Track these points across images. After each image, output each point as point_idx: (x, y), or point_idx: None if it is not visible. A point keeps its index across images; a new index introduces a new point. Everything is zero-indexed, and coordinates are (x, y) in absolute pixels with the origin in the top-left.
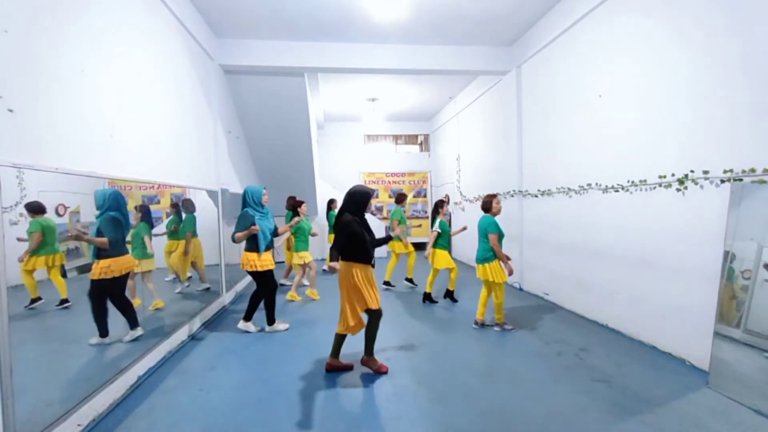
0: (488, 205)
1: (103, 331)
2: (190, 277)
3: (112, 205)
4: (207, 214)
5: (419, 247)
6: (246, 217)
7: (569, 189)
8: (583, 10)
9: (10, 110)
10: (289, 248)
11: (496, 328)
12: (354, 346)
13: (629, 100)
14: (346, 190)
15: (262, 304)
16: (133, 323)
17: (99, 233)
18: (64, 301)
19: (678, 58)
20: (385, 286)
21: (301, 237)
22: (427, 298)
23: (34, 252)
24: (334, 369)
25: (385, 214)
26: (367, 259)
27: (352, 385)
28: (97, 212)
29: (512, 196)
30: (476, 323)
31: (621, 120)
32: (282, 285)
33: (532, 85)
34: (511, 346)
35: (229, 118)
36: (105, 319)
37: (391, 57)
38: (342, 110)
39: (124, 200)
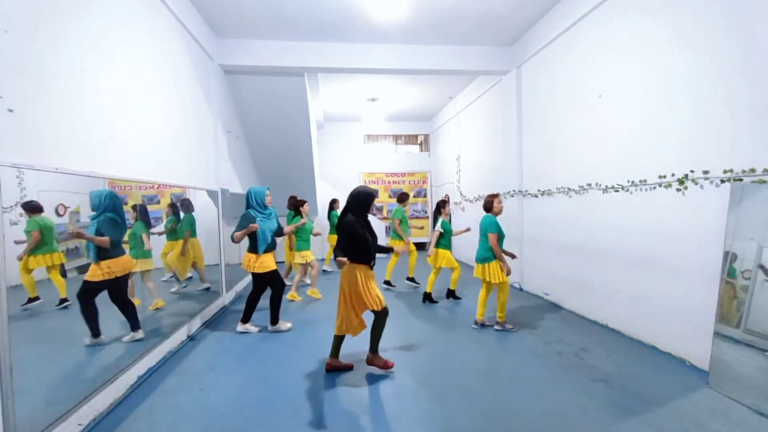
0: (490, 204)
1: (95, 332)
2: (191, 277)
3: (109, 206)
4: (207, 214)
5: (420, 247)
6: (247, 218)
7: (569, 189)
8: (583, 10)
9: (10, 110)
10: (291, 248)
11: (496, 327)
12: (354, 346)
13: (629, 100)
14: (346, 190)
15: (260, 305)
16: (134, 325)
17: (97, 234)
18: (64, 300)
19: (678, 58)
20: (385, 286)
21: (302, 236)
22: (428, 298)
23: (32, 251)
24: (335, 369)
25: (385, 214)
26: (368, 260)
27: (353, 385)
28: (93, 213)
29: (512, 196)
30: (476, 323)
31: (621, 120)
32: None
33: (532, 85)
34: (511, 346)
35: (229, 118)
36: (96, 320)
37: (391, 57)
38: (342, 110)
39: (120, 201)
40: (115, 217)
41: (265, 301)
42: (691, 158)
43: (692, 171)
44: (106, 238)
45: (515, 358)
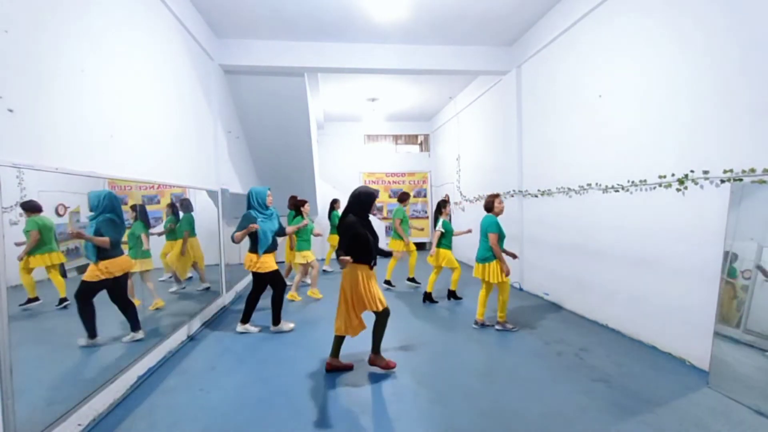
0: (491, 204)
1: (92, 333)
2: (191, 277)
3: (108, 206)
4: (207, 215)
5: (419, 247)
6: (247, 218)
7: (569, 189)
8: (583, 10)
9: (10, 110)
10: (291, 248)
11: (497, 327)
12: (354, 346)
13: (629, 100)
14: (346, 189)
15: (260, 305)
16: (134, 325)
17: (96, 234)
18: (63, 300)
19: (678, 58)
20: (385, 285)
21: (303, 236)
22: (428, 297)
23: (31, 251)
24: (335, 369)
25: (385, 214)
26: (369, 260)
27: (353, 385)
28: (91, 214)
29: (512, 196)
30: (476, 323)
31: (621, 120)
32: None
33: (532, 85)
34: (511, 346)
35: (229, 118)
36: (93, 321)
37: (391, 57)
38: (342, 110)
39: (118, 201)
40: (113, 218)
41: (264, 302)
42: (691, 158)
43: (692, 171)
44: (106, 239)
45: (515, 358)
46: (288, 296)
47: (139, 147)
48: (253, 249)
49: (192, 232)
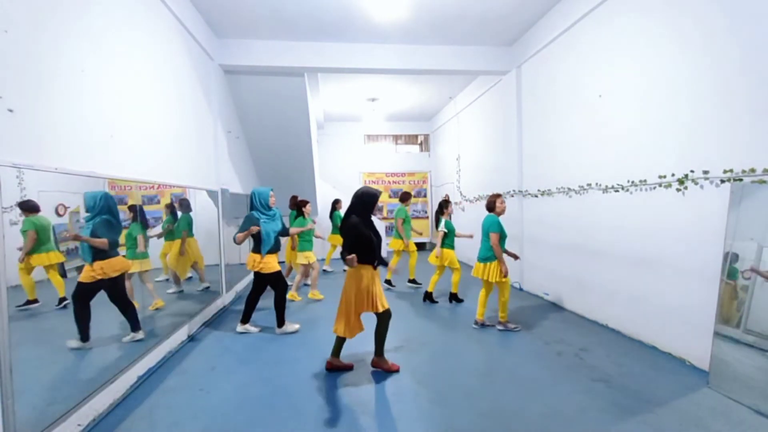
0: (492, 204)
1: (85, 336)
2: (190, 277)
3: (104, 207)
4: (207, 215)
5: (420, 247)
6: (250, 219)
7: (569, 189)
8: (583, 10)
9: (10, 110)
10: (293, 248)
11: (499, 327)
12: (354, 346)
13: (629, 100)
14: (346, 189)
15: (260, 305)
16: (134, 325)
17: (93, 236)
18: (63, 299)
19: (678, 58)
20: (386, 285)
21: (305, 237)
22: (428, 297)
23: (30, 251)
24: (335, 368)
25: (385, 214)
26: (372, 260)
27: (353, 385)
28: (88, 214)
29: (512, 196)
30: (476, 323)
31: (621, 120)
32: None
33: (532, 85)
34: (511, 346)
35: (229, 118)
36: (87, 323)
37: (391, 57)
38: (342, 110)
39: (114, 202)
40: (110, 219)
41: (264, 302)
42: (691, 158)
43: (692, 171)
44: (104, 240)
45: (515, 358)
46: (288, 296)
47: (139, 147)
48: (256, 249)
49: (190, 232)
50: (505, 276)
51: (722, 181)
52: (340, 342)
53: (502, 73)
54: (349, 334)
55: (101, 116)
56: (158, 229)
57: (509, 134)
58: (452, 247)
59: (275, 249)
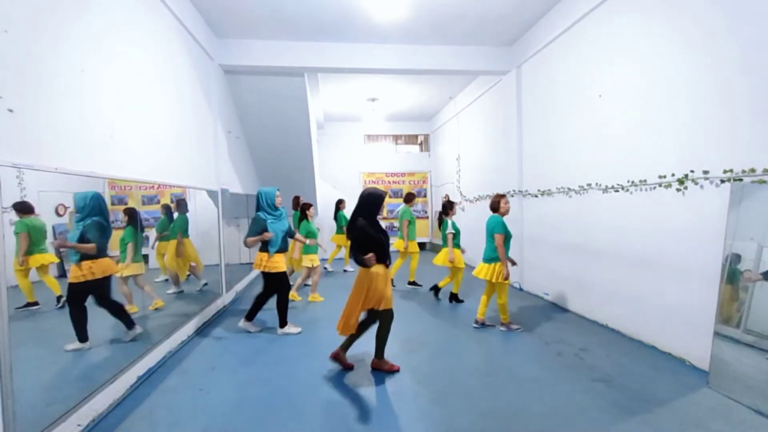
0: (497, 205)
1: (83, 336)
2: (189, 275)
3: (95, 208)
4: (207, 215)
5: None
6: (257, 221)
7: (569, 189)
8: (583, 10)
9: (10, 110)
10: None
11: (501, 328)
12: (356, 347)
13: (629, 100)
14: (346, 189)
15: (265, 306)
16: (128, 324)
17: (82, 238)
18: (61, 298)
19: (678, 58)
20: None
21: (310, 239)
22: (454, 298)
23: (28, 252)
24: (337, 360)
25: (385, 214)
26: (385, 259)
27: (353, 385)
28: (78, 215)
29: (512, 196)
30: (476, 322)
31: (621, 120)
32: None
33: (532, 85)
34: (511, 346)
35: (229, 118)
36: (84, 324)
37: (391, 57)
38: (342, 110)
39: (105, 203)
40: (101, 221)
41: (268, 302)
42: (691, 158)
43: (692, 171)
44: (92, 245)
45: (515, 358)
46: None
47: (139, 147)
48: (264, 249)
49: (185, 233)
50: (506, 278)
51: (722, 181)
52: (351, 339)
53: (502, 73)
54: (342, 331)
55: (101, 116)
56: (152, 238)
57: (509, 134)
58: (458, 247)
59: (283, 249)
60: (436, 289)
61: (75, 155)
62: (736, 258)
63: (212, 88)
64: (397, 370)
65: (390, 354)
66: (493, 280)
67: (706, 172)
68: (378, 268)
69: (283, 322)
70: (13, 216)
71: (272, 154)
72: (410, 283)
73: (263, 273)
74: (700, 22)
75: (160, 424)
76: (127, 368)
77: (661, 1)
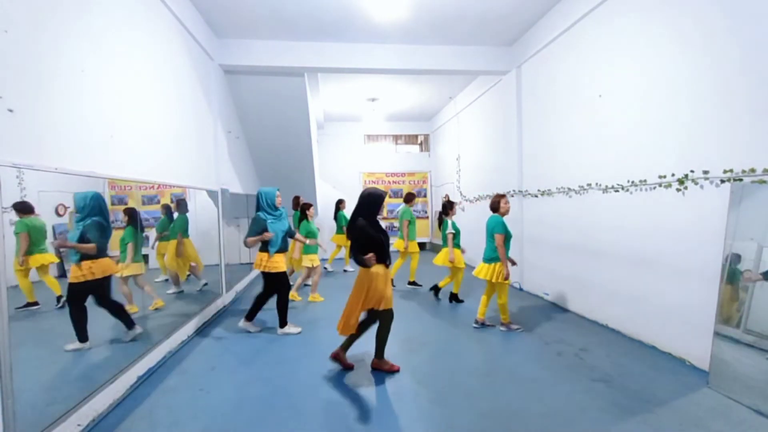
0: (497, 205)
1: (83, 336)
2: (189, 275)
3: (95, 208)
4: (207, 214)
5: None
6: (257, 221)
7: (569, 189)
8: (583, 10)
9: (10, 110)
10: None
11: (501, 328)
12: (356, 347)
13: (629, 100)
14: (346, 189)
15: (265, 306)
16: (128, 324)
17: (82, 238)
18: (61, 298)
19: (678, 58)
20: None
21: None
22: (454, 298)
23: (28, 252)
24: (337, 360)
25: (385, 214)
26: (385, 259)
27: (353, 385)
28: (78, 215)
29: (512, 196)
30: (476, 322)
31: (621, 120)
32: None
33: (532, 85)
34: (511, 346)
35: (229, 118)
36: (84, 324)
37: (391, 57)
38: (342, 110)
39: (105, 202)
40: (101, 221)
41: (268, 302)
42: (691, 158)
43: (692, 171)
44: (92, 245)
45: (515, 358)
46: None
47: (139, 147)
48: (264, 249)
49: (185, 234)
50: (506, 278)
51: (722, 181)
52: (351, 339)
53: (502, 73)
54: (342, 331)
55: (101, 116)
56: (152, 238)
57: (509, 134)
58: (458, 246)
59: (283, 249)
60: (436, 289)
61: (75, 155)
62: (736, 258)
63: (212, 88)
64: (397, 370)
65: (390, 354)
66: (493, 280)
67: (706, 172)
68: (378, 268)
69: (283, 322)
70: (13, 216)
71: (272, 154)
72: (410, 283)
73: (263, 273)
74: (700, 22)
75: (160, 424)
76: (127, 368)
77: (661, 1)
